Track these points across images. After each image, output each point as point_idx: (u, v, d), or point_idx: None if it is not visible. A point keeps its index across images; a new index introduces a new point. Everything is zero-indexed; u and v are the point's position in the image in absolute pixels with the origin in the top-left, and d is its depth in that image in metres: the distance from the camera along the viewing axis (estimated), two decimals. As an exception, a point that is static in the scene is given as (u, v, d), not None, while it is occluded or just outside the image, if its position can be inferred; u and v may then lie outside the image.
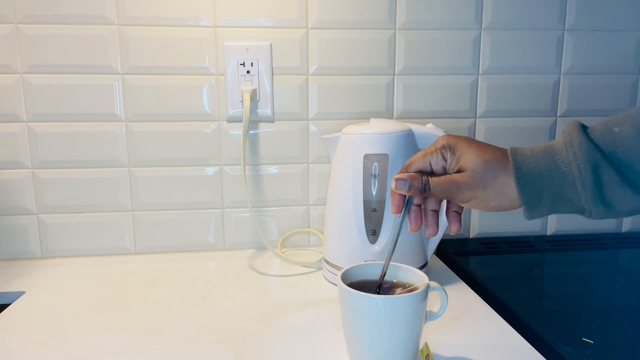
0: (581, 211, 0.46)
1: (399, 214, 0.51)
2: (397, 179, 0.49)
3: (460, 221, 0.52)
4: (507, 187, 0.46)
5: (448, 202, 0.52)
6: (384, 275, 0.52)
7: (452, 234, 0.52)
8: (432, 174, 0.50)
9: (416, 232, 0.52)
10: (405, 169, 0.51)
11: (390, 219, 0.69)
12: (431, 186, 0.49)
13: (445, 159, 0.50)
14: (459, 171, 0.48)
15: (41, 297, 0.69)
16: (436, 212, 0.52)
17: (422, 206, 0.52)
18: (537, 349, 0.55)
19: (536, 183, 0.46)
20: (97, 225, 0.84)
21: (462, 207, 0.51)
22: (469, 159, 0.48)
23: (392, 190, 0.50)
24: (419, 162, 0.50)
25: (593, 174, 0.43)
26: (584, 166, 0.43)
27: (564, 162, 0.45)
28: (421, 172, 0.50)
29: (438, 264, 0.82)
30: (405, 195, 0.50)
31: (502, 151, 0.48)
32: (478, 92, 0.88)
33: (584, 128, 0.45)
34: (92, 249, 0.85)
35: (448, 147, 0.49)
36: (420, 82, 0.87)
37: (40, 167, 0.82)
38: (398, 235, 0.51)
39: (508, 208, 0.48)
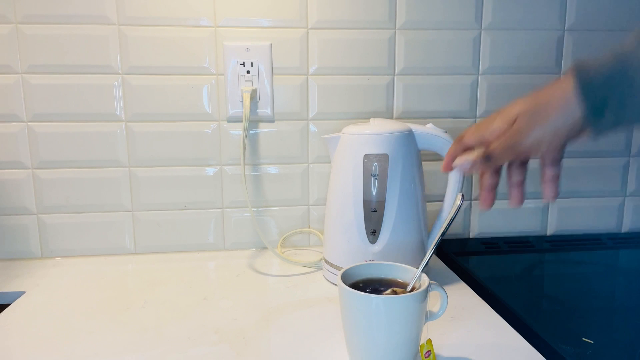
0: None
1: (451, 212, 0.50)
2: (454, 164, 0.50)
3: (557, 186, 0.48)
4: (565, 109, 0.43)
5: (542, 169, 0.49)
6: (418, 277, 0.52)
7: (550, 202, 0.50)
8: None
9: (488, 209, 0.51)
10: (458, 142, 0.50)
11: (390, 219, 0.69)
12: (491, 150, 0.47)
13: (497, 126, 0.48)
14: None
15: (41, 297, 0.69)
16: (521, 183, 0.50)
17: (497, 183, 0.51)
18: (537, 349, 0.55)
19: (601, 88, 0.42)
20: (97, 225, 0.84)
21: (559, 169, 0.48)
22: (515, 105, 0.46)
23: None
24: (471, 136, 0.50)
25: None
26: None
27: (633, 66, 0.41)
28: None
29: (438, 264, 0.82)
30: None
31: (549, 84, 0.46)
32: (478, 92, 0.88)
33: None
34: (92, 249, 0.85)
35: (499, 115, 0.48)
36: (420, 82, 0.87)
37: (40, 167, 0.82)
38: (446, 229, 0.51)
39: (574, 135, 0.44)
